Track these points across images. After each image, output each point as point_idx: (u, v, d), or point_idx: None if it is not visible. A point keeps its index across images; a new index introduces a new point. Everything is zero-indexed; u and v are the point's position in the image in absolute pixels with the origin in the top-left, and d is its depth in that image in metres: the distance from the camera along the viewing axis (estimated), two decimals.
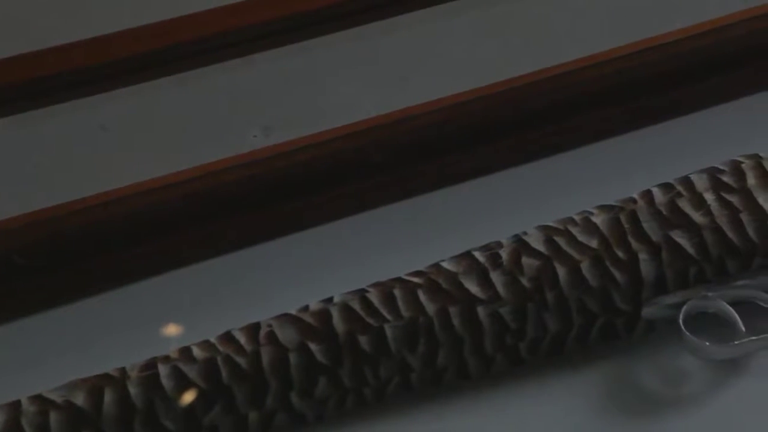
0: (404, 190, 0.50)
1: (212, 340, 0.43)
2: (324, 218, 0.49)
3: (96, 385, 0.41)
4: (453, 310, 0.43)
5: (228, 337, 0.42)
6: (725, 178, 0.45)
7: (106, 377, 0.42)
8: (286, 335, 0.42)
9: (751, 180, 0.45)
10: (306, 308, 0.43)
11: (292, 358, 0.42)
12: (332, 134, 0.49)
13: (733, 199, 0.45)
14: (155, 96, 0.50)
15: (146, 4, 0.50)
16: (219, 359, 0.42)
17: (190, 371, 0.41)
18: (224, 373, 0.42)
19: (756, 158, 0.46)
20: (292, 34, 0.48)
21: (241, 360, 0.42)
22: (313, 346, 0.42)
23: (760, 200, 0.44)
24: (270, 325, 0.42)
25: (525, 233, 0.45)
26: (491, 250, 0.44)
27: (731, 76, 0.53)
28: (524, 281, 0.43)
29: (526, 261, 0.44)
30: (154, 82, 0.46)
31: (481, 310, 0.43)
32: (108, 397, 0.41)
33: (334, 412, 0.43)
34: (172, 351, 0.42)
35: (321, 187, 0.49)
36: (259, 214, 0.49)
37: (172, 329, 0.46)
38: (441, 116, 0.50)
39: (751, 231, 0.44)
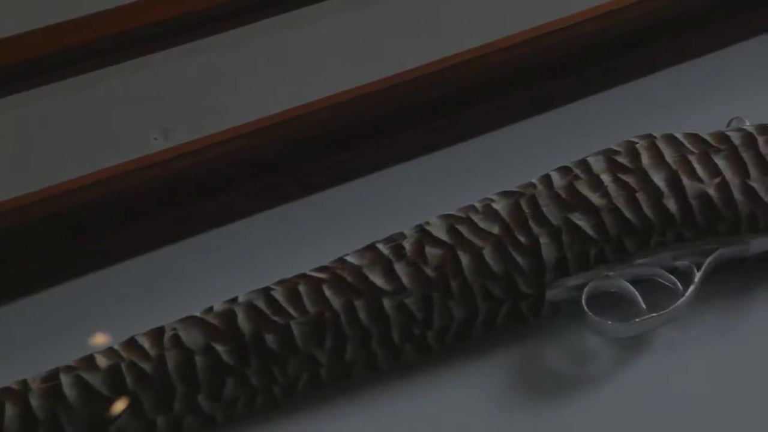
0: (306, 186, 0.48)
1: (116, 346, 0.41)
2: (226, 218, 0.48)
3: None
4: (359, 304, 0.42)
5: (132, 343, 0.41)
6: (621, 159, 0.45)
7: (6, 391, 0.39)
8: (191, 338, 0.41)
9: (646, 160, 0.44)
10: (210, 309, 0.42)
11: (198, 360, 0.40)
12: (231, 134, 0.47)
13: (629, 179, 0.44)
14: (48, 101, 0.48)
15: (36, 7, 0.48)
16: (123, 366, 0.40)
17: (94, 379, 0.40)
18: (129, 380, 0.40)
19: (650, 138, 0.45)
20: (187, 34, 0.47)
21: (145, 365, 0.40)
22: (219, 348, 0.40)
23: (655, 179, 0.44)
24: (174, 329, 0.41)
25: (428, 223, 0.44)
26: (395, 241, 0.43)
27: (624, 59, 0.52)
28: (428, 271, 0.42)
29: (430, 250, 0.43)
30: (47, 87, 0.44)
31: (386, 302, 0.42)
32: (9, 411, 0.39)
33: (244, 412, 0.41)
34: (75, 360, 0.40)
35: (222, 187, 0.47)
36: (160, 217, 0.47)
37: (77, 336, 0.44)
38: (339, 111, 0.48)
39: (647, 209, 0.43)
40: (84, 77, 0.45)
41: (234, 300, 0.42)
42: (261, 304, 0.41)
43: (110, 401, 0.40)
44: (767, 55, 0.53)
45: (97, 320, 0.45)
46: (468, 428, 0.42)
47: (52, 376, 0.40)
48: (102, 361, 0.40)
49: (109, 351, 0.41)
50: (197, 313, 0.41)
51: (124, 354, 0.40)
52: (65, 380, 0.40)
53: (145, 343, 0.40)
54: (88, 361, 0.40)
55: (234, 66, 0.53)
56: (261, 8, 0.47)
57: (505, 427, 0.42)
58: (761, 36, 0.53)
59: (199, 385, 0.40)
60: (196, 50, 0.48)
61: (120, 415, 0.40)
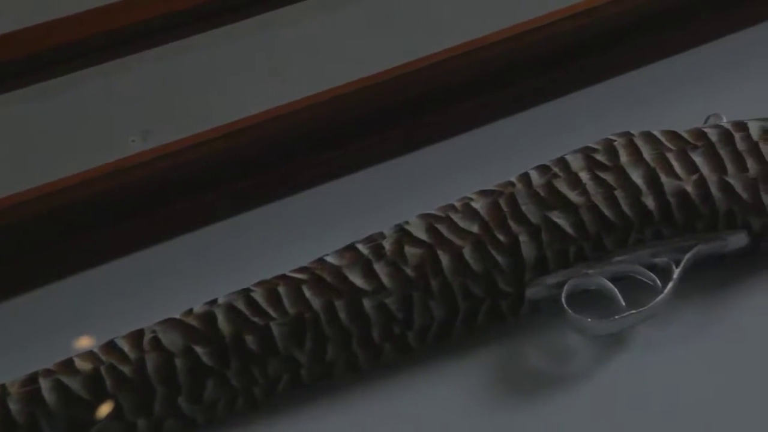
0: (286, 186, 0.48)
1: (95, 350, 0.40)
2: (206, 220, 0.47)
3: None
4: (339, 304, 0.41)
5: (111, 346, 0.40)
6: (599, 157, 0.44)
7: None
8: (171, 340, 0.40)
9: (624, 157, 0.44)
10: (190, 311, 0.41)
11: (178, 362, 0.40)
12: (211, 135, 0.47)
13: (607, 177, 0.44)
14: (26, 105, 0.48)
15: (13, 8, 0.48)
16: (102, 369, 0.39)
17: (73, 383, 0.39)
18: (109, 383, 0.39)
19: (627, 136, 0.45)
20: (166, 34, 0.46)
21: (125, 368, 0.40)
22: (198, 350, 0.40)
23: (633, 177, 0.44)
24: (154, 331, 0.40)
25: (407, 222, 0.43)
26: (374, 241, 0.43)
27: (602, 57, 0.52)
28: (408, 270, 0.42)
29: (409, 250, 0.42)
30: (26, 90, 0.44)
31: (366, 302, 0.41)
32: None
33: (225, 413, 0.41)
34: (54, 364, 0.40)
35: (202, 188, 0.47)
36: (143, 218, 0.46)
37: (62, 337, 0.43)
38: (320, 110, 0.48)
39: (625, 207, 0.43)
40: (61, 79, 0.45)
41: (214, 302, 0.41)
42: (241, 305, 0.41)
43: (90, 405, 0.39)
44: (744, 52, 0.53)
45: (81, 321, 0.44)
46: (449, 427, 0.42)
47: (31, 380, 0.39)
48: (81, 365, 0.40)
49: (89, 354, 0.40)
50: (177, 315, 0.41)
51: (103, 357, 0.40)
52: (44, 384, 0.39)
53: (125, 346, 0.40)
54: (67, 364, 0.40)
55: (214, 66, 0.53)
56: (240, 8, 0.47)
57: (486, 426, 0.42)
58: (738, 33, 0.53)
59: (179, 387, 0.40)
60: (175, 51, 0.48)
61: (100, 418, 0.39)
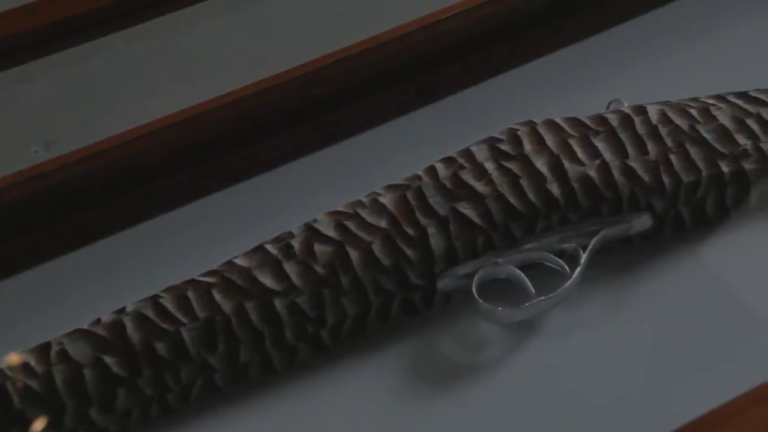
0: (191, 191, 0.46)
1: (0, 366, 0.39)
2: (112, 228, 0.46)
3: None
4: (250, 306, 0.40)
5: (17, 361, 0.39)
6: (503, 147, 0.44)
7: None
8: (79, 351, 0.39)
9: (528, 146, 0.44)
10: (98, 321, 0.40)
11: (87, 373, 0.39)
12: (113, 142, 0.46)
13: (512, 166, 0.43)
14: None
15: None
16: (8, 384, 0.38)
17: None
18: (15, 399, 0.38)
19: (531, 124, 0.44)
20: (65, 40, 0.45)
21: (32, 382, 0.38)
22: (108, 359, 0.39)
23: (537, 164, 0.43)
24: (61, 343, 0.39)
25: (315, 221, 0.42)
26: (283, 241, 0.42)
27: (503, 48, 0.52)
28: (318, 268, 0.41)
29: (319, 248, 0.41)
30: None
31: (278, 303, 0.40)
32: None
33: (139, 422, 0.40)
34: None
35: (107, 197, 0.46)
36: (44, 230, 0.45)
37: None
38: (222, 114, 0.47)
39: (531, 195, 0.43)
40: None
41: (122, 310, 0.40)
42: (149, 312, 0.40)
43: None
44: (642, 37, 0.53)
45: None
46: (368, 422, 0.41)
47: None
48: None
49: None
50: (85, 326, 0.40)
51: (9, 372, 0.38)
52: None
53: (31, 360, 0.39)
54: None
55: (116, 72, 0.52)
56: (142, 10, 0.46)
57: (404, 418, 0.41)
58: (635, 19, 0.53)
59: (90, 398, 0.39)
60: (77, 57, 0.47)
61: None
